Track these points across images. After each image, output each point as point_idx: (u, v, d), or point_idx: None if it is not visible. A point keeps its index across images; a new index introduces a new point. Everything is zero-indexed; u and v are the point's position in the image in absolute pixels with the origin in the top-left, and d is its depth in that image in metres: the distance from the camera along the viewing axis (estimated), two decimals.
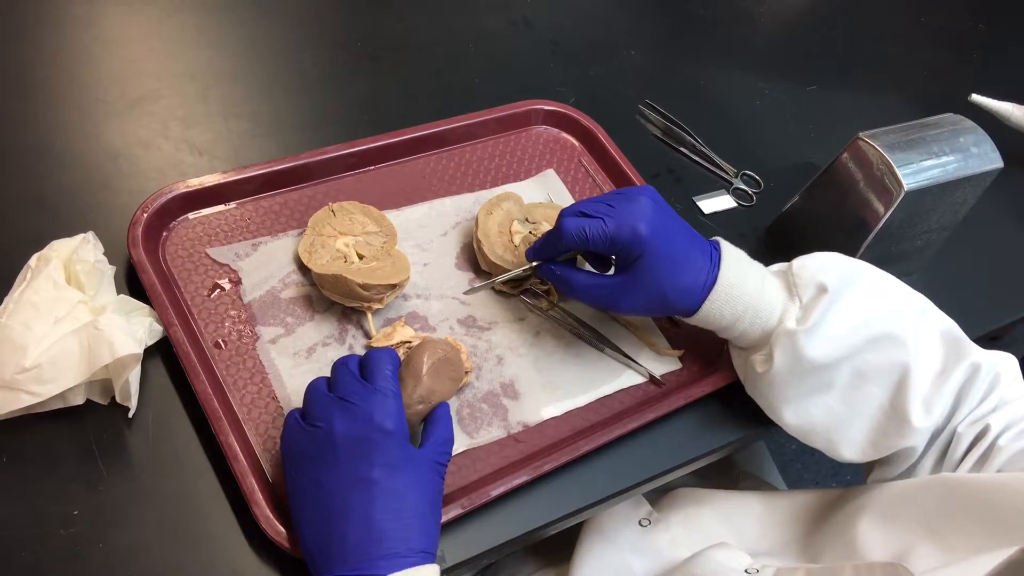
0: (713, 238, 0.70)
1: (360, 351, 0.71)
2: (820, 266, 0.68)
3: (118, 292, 0.67)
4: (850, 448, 0.68)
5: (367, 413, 0.57)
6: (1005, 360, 0.68)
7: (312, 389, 0.60)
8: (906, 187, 0.75)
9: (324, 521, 0.55)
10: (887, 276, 0.70)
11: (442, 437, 0.61)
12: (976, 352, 0.67)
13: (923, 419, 0.65)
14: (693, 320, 0.69)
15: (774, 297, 0.67)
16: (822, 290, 0.66)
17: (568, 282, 0.69)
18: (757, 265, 0.69)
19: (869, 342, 0.65)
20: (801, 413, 0.68)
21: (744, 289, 0.67)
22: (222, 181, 0.75)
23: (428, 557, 0.56)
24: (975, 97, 0.99)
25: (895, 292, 0.69)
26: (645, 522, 0.81)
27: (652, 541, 0.79)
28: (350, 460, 0.56)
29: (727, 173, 0.94)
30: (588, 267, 0.72)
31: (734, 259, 0.68)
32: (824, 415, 0.67)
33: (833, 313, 0.65)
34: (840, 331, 0.65)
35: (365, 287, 0.69)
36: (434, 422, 0.62)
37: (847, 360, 0.66)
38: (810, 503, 0.77)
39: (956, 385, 0.66)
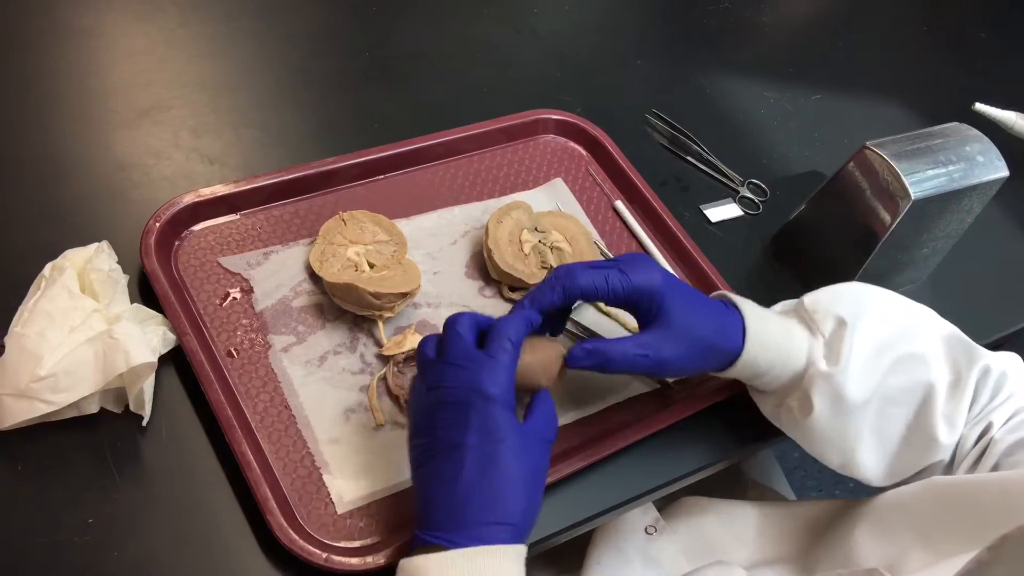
0: (714, 294, 0.70)
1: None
2: (833, 298, 0.67)
3: (132, 301, 0.68)
4: (875, 471, 0.68)
5: (474, 378, 0.56)
6: (1012, 360, 0.68)
7: (420, 352, 0.60)
8: (913, 196, 0.75)
9: (424, 482, 0.56)
10: (890, 293, 0.70)
11: (548, 414, 0.59)
12: (985, 355, 0.67)
13: (947, 434, 0.65)
14: (732, 371, 0.66)
15: (797, 335, 0.67)
16: (841, 323, 0.66)
17: (606, 355, 0.62)
18: (766, 309, 0.69)
19: (893, 364, 0.65)
20: (846, 452, 0.67)
21: (771, 332, 0.66)
22: (233, 190, 0.76)
23: (513, 530, 0.54)
24: (979, 106, 0.99)
25: (903, 309, 0.69)
26: (651, 530, 0.81)
27: (657, 551, 0.79)
28: (451, 423, 0.55)
29: (733, 181, 0.94)
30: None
31: (749, 303, 0.67)
32: (862, 446, 0.67)
33: (857, 344, 0.65)
34: (868, 362, 0.65)
35: (376, 295, 0.70)
36: (538, 402, 0.60)
37: (877, 389, 0.65)
38: (813, 513, 0.78)
39: (971, 391, 0.66)
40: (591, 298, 0.63)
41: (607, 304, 0.65)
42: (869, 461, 0.67)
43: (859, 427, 0.66)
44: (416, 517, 0.57)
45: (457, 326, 0.59)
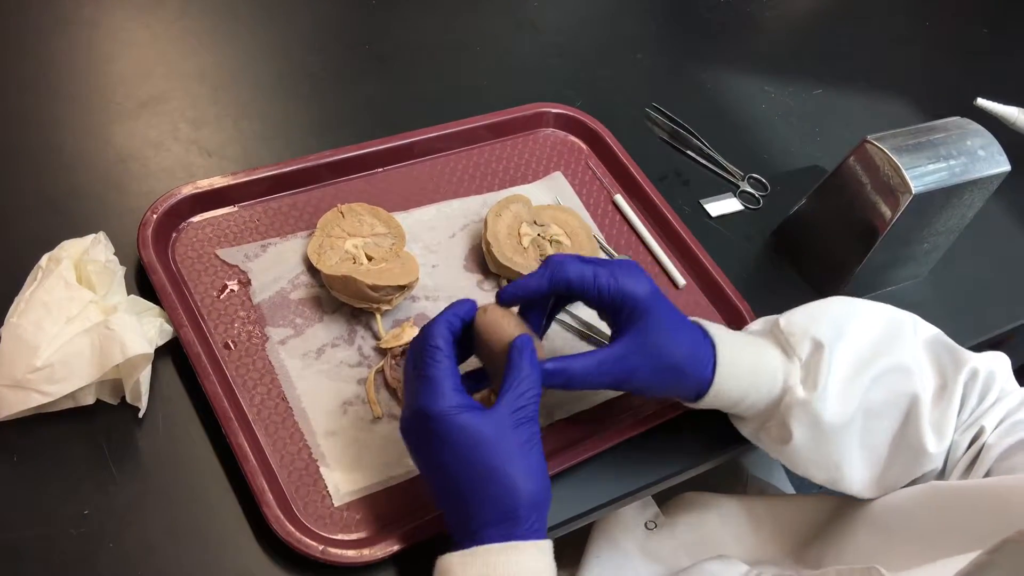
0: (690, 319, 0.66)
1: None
2: (809, 319, 0.66)
3: (128, 292, 0.67)
4: (862, 485, 0.67)
5: (415, 403, 0.56)
6: (998, 359, 0.68)
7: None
8: (914, 190, 0.75)
9: (435, 500, 0.59)
10: (872, 304, 0.69)
11: (513, 385, 0.57)
12: (971, 358, 0.66)
13: (936, 443, 0.64)
14: (704, 402, 0.65)
15: (771, 360, 0.65)
16: (818, 346, 0.64)
17: (566, 373, 0.60)
18: (740, 333, 0.67)
19: (874, 380, 0.64)
20: (831, 471, 0.66)
21: (743, 361, 0.64)
22: (231, 182, 0.75)
23: (518, 519, 0.55)
24: (980, 101, 0.99)
25: (883, 320, 0.68)
26: (651, 525, 0.81)
27: (657, 547, 0.79)
28: (418, 452, 0.57)
29: (734, 176, 0.94)
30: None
31: (721, 331, 0.65)
32: (847, 463, 0.66)
33: (835, 366, 0.63)
34: (847, 383, 0.64)
35: (374, 288, 0.69)
36: (508, 369, 0.58)
37: (859, 407, 0.64)
38: (813, 509, 0.77)
39: (959, 397, 0.65)
40: (576, 290, 0.61)
41: (588, 305, 0.63)
42: (856, 476, 0.66)
43: (843, 446, 0.65)
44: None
45: (411, 347, 0.60)
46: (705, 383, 0.63)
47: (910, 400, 0.64)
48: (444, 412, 0.55)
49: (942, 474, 0.66)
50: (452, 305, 0.61)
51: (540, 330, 0.65)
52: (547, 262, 0.62)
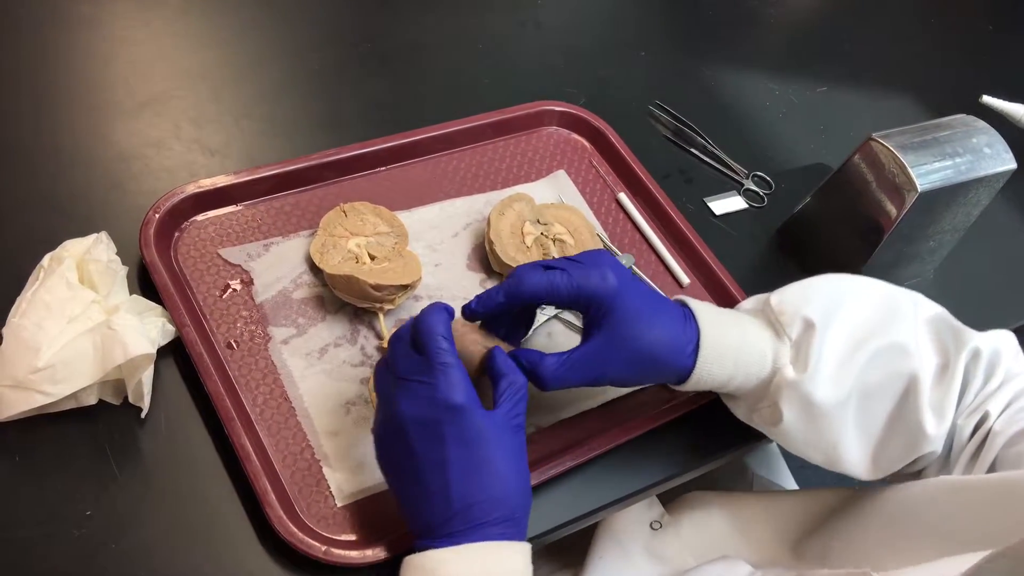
0: (675, 297, 0.66)
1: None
2: (801, 298, 0.65)
3: (131, 292, 0.67)
4: (860, 466, 0.66)
5: (434, 392, 0.54)
6: (1003, 337, 0.66)
7: (377, 368, 0.59)
8: (920, 188, 0.75)
9: (414, 498, 0.55)
10: (869, 281, 0.67)
11: (508, 392, 0.57)
12: (975, 336, 0.64)
13: (936, 425, 0.63)
14: (688, 385, 0.64)
15: (760, 341, 0.64)
16: (810, 325, 0.63)
17: (535, 368, 0.60)
18: (729, 312, 0.66)
19: (870, 360, 0.63)
20: (827, 451, 0.65)
21: (728, 341, 0.63)
22: (234, 182, 0.75)
23: (513, 521, 0.55)
24: (986, 99, 0.98)
25: (881, 297, 0.66)
26: (656, 525, 0.80)
27: (661, 547, 0.78)
28: (421, 443, 0.55)
29: (738, 174, 0.94)
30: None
31: (708, 311, 0.64)
32: (843, 444, 0.65)
33: (827, 347, 0.62)
34: (841, 363, 0.62)
35: (377, 288, 0.69)
36: (498, 375, 0.58)
37: (854, 387, 0.63)
38: (820, 506, 0.77)
39: (960, 377, 0.63)
40: (538, 301, 0.61)
41: (556, 308, 0.63)
42: (853, 457, 0.65)
43: (838, 426, 0.64)
44: (410, 525, 0.57)
45: (401, 336, 0.58)
46: (685, 369, 0.62)
47: (908, 380, 0.63)
48: (466, 406, 0.54)
49: (946, 460, 0.65)
50: (438, 303, 0.61)
51: (507, 338, 0.65)
52: (510, 273, 0.62)
